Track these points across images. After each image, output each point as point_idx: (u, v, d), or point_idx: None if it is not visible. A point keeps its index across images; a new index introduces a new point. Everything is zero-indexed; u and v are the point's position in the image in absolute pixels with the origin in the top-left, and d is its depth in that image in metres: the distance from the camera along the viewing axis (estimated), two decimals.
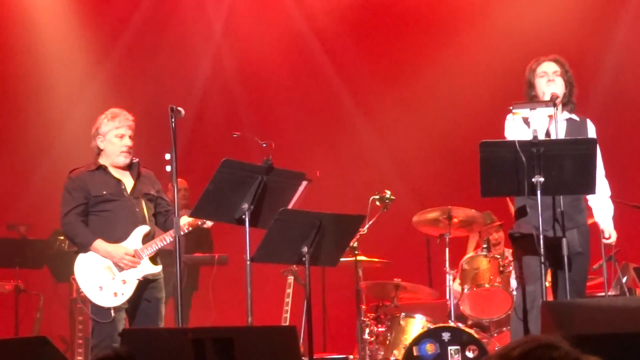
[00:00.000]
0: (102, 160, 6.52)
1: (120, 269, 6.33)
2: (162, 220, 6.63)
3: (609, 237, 6.26)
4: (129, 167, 6.55)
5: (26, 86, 10.75)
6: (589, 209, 6.32)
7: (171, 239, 6.38)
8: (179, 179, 6.63)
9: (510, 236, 6.31)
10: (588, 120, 6.28)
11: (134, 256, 6.34)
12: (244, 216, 5.98)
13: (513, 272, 7.63)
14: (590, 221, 6.32)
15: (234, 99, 11.18)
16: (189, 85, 10.85)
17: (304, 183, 6.27)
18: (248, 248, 5.98)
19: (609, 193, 6.31)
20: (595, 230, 6.34)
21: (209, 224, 6.48)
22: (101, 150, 6.52)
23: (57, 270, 9.06)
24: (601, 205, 6.27)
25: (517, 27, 10.66)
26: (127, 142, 6.49)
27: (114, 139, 6.48)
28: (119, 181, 6.49)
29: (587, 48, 10.52)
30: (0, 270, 8.78)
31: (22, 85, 10.74)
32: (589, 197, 6.25)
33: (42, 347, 4.92)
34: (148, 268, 6.42)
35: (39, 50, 10.78)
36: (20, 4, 10.76)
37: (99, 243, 6.33)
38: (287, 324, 8.26)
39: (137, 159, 6.58)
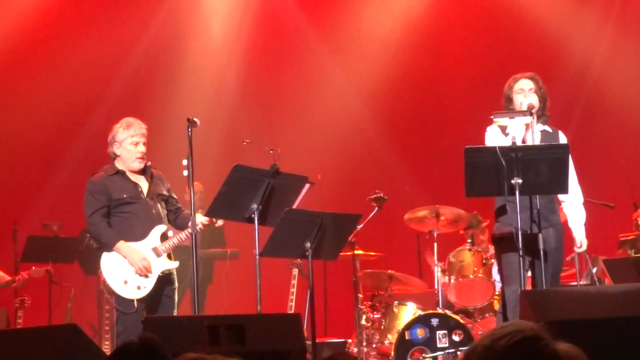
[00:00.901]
0: (118, 165, 6.49)
1: (136, 273, 6.31)
2: (173, 217, 6.61)
3: (580, 246, 6.29)
4: (142, 171, 6.53)
5: (62, 99, 10.65)
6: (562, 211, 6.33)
7: (186, 237, 6.39)
8: (196, 182, 6.63)
9: (492, 238, 6.33)
10: (560, 132, 6.31)
11: (148, 265, 6.31)
12: (253, 215, 5.99)
13: (495, 264, 7.64)
14: (563, 219, 6.33)
15: (244, 110, 11.17)
16: (204, 98, 10.84)
17: (307, 185, 6.27)
18: (257, 244, 5.98)
19: (582, 199, 6.31)
20: (568, 227, 6.34)
21: (220, 223, 6.48)
22: (117, 156, 6.50)
23: (86, 264, 9.06)
24: (574, 212, 6.28)
25: (498, 42, 10.65)
26: (142, 148, 6.47)
27: (130, 146, 6.45)
28: (136, 185, 6.47)
29: (564, 61, 10.53)
30: (36, 264, 8.78)
31: (58, 98, 10.64)
32: (564, 204, 6.27)
33: (73, 333, 4.92)
34: (166, 264, 6.42)
35: (71, 68, 10.68)
36: (42, 17, 10.68)
37: (122, 244, 6.32)
38: (292, 311, 8.26)
39: (150, 162, 6.57)
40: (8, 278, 8.38)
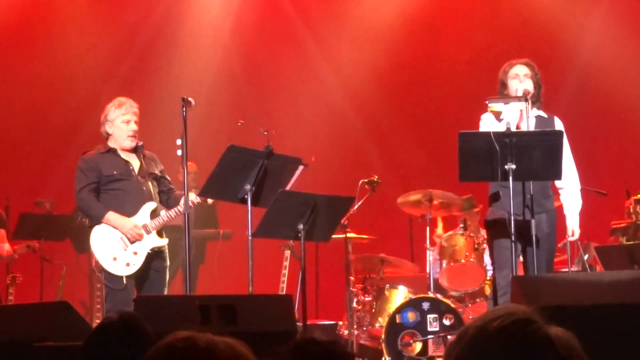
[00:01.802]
0: (111, 144, 6.51)
1: (130, 240, 6.33)
2: (165, 198, 6.61)
3: (572, 235, 6.30)
4: (134, 150, 6.54)
5: (56, 77, 10.70)
6: (556, 194, 6.33)
7: (175, 214, 6.40)
8: (190, 163, 6.64)
9: (485, 222, 6.33)
10: (556, 117, 6.30)
11: (140, 232, 6.34)
12: (246, 196, 5.99)
13: (487, 249, 7.65)
14: (556, 204, 6.34)
15: (239, 91, 11.16)
16: (200, 79, 10.81)
17: (301, 167, 6.27)
18: (250, 225, 5.99)
19: (579, 187, 6.31)
20: (561, 213, 6.35)
21: (210, 201, 6.50)
22: (109, 135, 6.51)
23: (78, 242, 9.05)
24: (570, 199, 6.28)
25: (493, 28, 10.64)
26: (133, 126, 6.48)
27: (121, 124, 6.46)
28: (127, 162, 6.48)
29: (558, 48, 10.53)
30: (29, 242, 8.77)
31: (52, 76, 10.69)
32: (561, 191, 6.28)
33: (64, 310, 4.94)
34: (155, 241, 6.42)
35: (67, 45, 10.74)
36: (49, 7, 10.71)
37: (112, 215, 6.32)
38: (284, 293, 8.27)
39: (142, 142, 6.58)
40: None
